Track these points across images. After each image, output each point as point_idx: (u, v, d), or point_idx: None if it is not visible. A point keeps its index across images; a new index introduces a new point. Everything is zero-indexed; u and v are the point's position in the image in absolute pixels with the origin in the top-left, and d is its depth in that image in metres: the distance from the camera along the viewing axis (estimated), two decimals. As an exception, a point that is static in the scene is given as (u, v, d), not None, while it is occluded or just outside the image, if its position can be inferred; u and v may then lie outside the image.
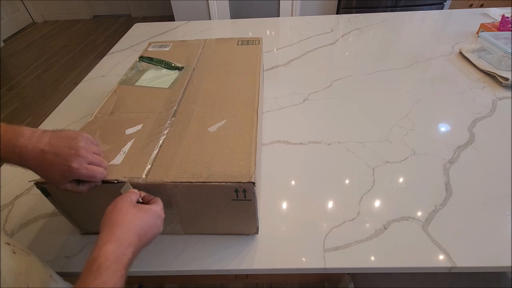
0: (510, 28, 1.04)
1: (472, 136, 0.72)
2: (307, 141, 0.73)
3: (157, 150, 0.49)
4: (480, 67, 0.95)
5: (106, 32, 3.47)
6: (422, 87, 0.89)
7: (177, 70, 0.71)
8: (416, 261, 0.49)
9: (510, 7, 1.34)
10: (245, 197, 0.45)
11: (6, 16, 3.43)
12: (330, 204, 0.59)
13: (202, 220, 0.52)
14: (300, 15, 2.40)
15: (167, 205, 0.43)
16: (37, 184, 0.45)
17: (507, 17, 1.06)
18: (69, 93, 0.95)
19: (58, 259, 0.53)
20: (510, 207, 0.56)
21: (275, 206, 0.59)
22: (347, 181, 0.63)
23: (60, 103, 0.91)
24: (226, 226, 0.53)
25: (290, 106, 0.85)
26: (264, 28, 1.33)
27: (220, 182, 0.43)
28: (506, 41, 0.93)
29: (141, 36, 1.30)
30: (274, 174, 0.65)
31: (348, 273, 0.89)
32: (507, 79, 0.87)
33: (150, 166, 0.46)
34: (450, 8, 2.25)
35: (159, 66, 0.73)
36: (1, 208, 0.62)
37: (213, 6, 2.30)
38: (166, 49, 0.80)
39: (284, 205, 0.60)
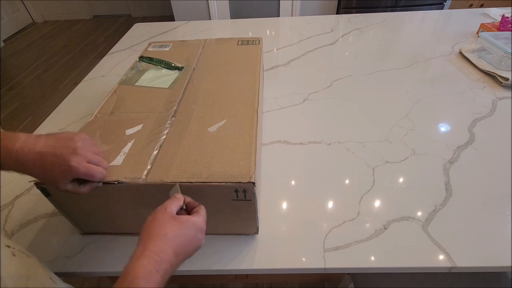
0: (510, 28, 1.04)
1: (472, 136, 0.72)
2: (307, 141, 0.73)
3: (157, 150, 0.49)
4: (480, 67, 0.95)
5: (106, 32, 3.47)
6: (422, 87, 0.89)
7: (177, 70, 0.71)
8: (416, 261, 0.49)
9: (510, 7, 1.34)
10: (245, 197, 0.45)
11: (6, 16, 3.43)
12: (330, 204, 0.59)
13: (202, 220, 0.52)
14: (300, 15, 2.40)
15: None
16: (37, 184, 0.45)
17: (507, 17, 1.06)
18: (69, 93, 0.95)
19: (58, 259, 0.53)
20: (510, 207, 0.56)
21: (275, 206, 0.59)
22: (347, 181, 0.63)
23: (60, 103, 0.91)
24: (226, 226, 0.53)
25: (290, 106, 0.85)
26: (264, 28, 1.33)
27: (220, 182, 0.43)
28: (506, 41, 0.93)
29: (141, 36, 1.30)
30: (274, 174, 0.65)
31: (348, 273, 0.89)
32: (507, 79, 0.87)
33: (150, 167, 0.46)
34: (450, 8, 2.25)
35: (159, 66, 0.73)
36: (1, 208, 0.62)
37: (213, 6, 2.30)
38: (166, 49, 0.80)
39: (284, 205, 0.60)
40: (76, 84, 1.03)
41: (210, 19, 2.35)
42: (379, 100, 0.86)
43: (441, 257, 0.49)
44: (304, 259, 0.51)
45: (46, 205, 0.59)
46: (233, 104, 0.59)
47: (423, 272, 0.55)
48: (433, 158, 0.67)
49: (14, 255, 0.35)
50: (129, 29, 1.39)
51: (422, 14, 1.41)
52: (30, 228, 0.58)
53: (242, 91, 0.62)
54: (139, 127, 0.54)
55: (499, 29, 1.06)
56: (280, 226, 0.56)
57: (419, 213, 0.56)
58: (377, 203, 0.58)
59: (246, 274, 1.07)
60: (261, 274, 0.86)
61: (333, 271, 0.50)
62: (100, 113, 0.58)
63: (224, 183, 0.43)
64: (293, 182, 0.64)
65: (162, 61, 0.74)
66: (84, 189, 0.42)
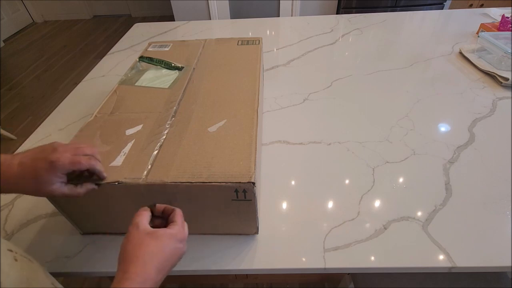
0: (510, 28, 1.04)
1: (472, 136, 0.72)
2: (307, 141, 0.73)
3: (157, 150, 0.49)
4: (480, 67, 0.95)
5: (106, 32, 3.47)
6: (422, 87, 0.89)
7: (177, 70, 0.71)
8: (416, 261, 0.49)
9: (510, 7, 1.34)
10: (245, 197, 0.45)
11: (6, 16, 3.43)
12: (330, 204, 0.59)
13: (202, 220, 0.52)
14: (300, 15, 2.40)
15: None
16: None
17: (507, 17, 1.06)
18: (69, 93, 0.95)
19: (58, 259, 0.53)
20: (510, 207, 0.56)
21: (275, 206, 0.59)
22: (347, 181, 0.63)
23: (60, 103, 0.91)
24: (226, 226, 0.53)
25: (290, 106, 0.85)
26: (264, 28, 1.33)
27: (220, 182, 0.43)
28: (506, 41, 0.93)
29: (141, 36, 1.30)
30: (274, 174, 0.65)
31: (348, 273, 0.89)
32: (507, 79, 0.87)
33: (150, 167, 0.46)
34: (450, 8, 2.25)
35: (159, 66, 0.73)
36: (1, 208, 0.62)
37: (213, 6, 2.30)
38: (166, 49, 0.80)
39: (284, 205, 0.60)
40: (76, 84, 1.03)
41: (210, 19, 2.35)
42: (379, 100, 0.86)
43: (441, 257, 0.49)
44: (304, 259, 0.51)
45: (46, 205, 0.59)
46: (233, 104, 0.59)
47: (423, 272, 0.55)
48: (433, 158, 0.67)
49: (16, 259, 0.35)
50: (129, 29, 1.39)
51: (422, 14, 1.41)
52: (30, 228, 0.58)
53: (242, 91, 0.62)
54: (139, 127, 0.54)
55: (499, 29, 1.06)
56: (280, 226, 0.56)
57: (419, 213, 0.56)
58: (377, 203, 0.58)
59: (246, 274, 1.07)
60: (261, 274, 0.86)
61: (333, 271, 0.50)
62: (100, 113, 0.58)
63: (224, 183, 0.43)
64: (293, 182, 0.64)
65: (162, 61, 0.74)
66: (81, 190, 0.41)
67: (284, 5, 2.36)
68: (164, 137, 0.52)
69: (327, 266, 0.50)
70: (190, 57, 0.76)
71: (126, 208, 0.50)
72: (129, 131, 0.53)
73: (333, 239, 0.53)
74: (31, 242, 0.56)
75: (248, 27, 1.35)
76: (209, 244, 0.53)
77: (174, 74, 0.70)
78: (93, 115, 0.57)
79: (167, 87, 0.65)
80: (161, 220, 0.41)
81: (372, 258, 0.50)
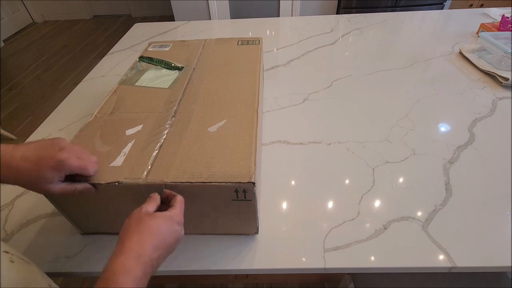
0: (510, 28, 1.04)
1: (472, 136, 0.72)
2: (307, 141, 0.73)
3: (157, 150, 0.49)
4: (480, 67, 0.95)
5: (106, 32, 3.47)
6: (422, 87, 0.89)
7: (177, 70, 0.71)
8: (416, 261, 0.49)
9: (510, 7, 1.34)
10: (245, 197, 0.45)
11: (6, 16, 3.43)
12: (330, 204, 0.59)
13: (202, 220, 0.52)
14: (300, 15, 2.40)
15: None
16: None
17: (507, 17, 1.06)
18: (69, 93, 0.95)
19: (58, 259, 0.53)
20: (510, 207, 0.56)
21: (275, 206, 0.59)
22: (347, 181, 0.63)
23: (60, 103, 0.91)
24: (226, 226, 0.53)
25: (290, 106, 0.85)
26: (264, 28, 1.33)
27: (220, 182, 0.43)
28: (506, 41, 0.93)
29: (141, 36, 1.30)
30: (274, 174, 0.65)
31: (348, 273, 0.89)
32: (507, 79, 0.87)
33: (150, 167, 0.46)
34: (450, 8, 2.25)
35: (159, 66, 0.73)
36: (1, 208, 0.62)
37: (213, 6, 2.30)
38: (166, 49, 0.80)
39: (284, 205, 0.60)
40: (76, 84, 1.03)
41: (210, 19, 2.35)
42: (379, 100, 0.86)
43: (441, 257, 0.50)
44: (304, 259, 0.51)
45: (46, 205, 0.59)
46: (233, 104, 0.59)
47: (423, 272, 0.55)
48: (433, 158, 0.67)
49: (12, 261, 0.35)
50: (129, 29, 1.39)
51: (422, 14, 1.41)
52: (30, 228, 0.58)
53: (242, 91, 0.62)
54: (139, 127, 0.54)
55: (499, 29, 1.06)
56: (280, 226, 0.56)
57: (419, 213, 0.56)
58: (377, 203, 0.58)
59: (246, 274, 1.07)
60: (261, 274, 0.86)
61: (333, 271, 0.50)
62: (100, 113, 0.58)
63: (224, 183, 0.43)
64: (293, 182, 0.64)
65: (162, 61, 0.74)
66: (78, 187, 0.41)
67: (284, 5, 2.36)
68: (164, 137, 0.52)
69: (327, 266, 0.50)
70: (190, 57, 0.76)
71: (126, 208, 0.49)
72: (129, 131, 0.53)
73: (333, 239, 0.53)
74: (31, 242, 0.56)
75: (248, 27, 1.35)
76: (209, 244, 0.54)
77: (174, 74, 0.70)
78: (93, 115, 0.57)
79: (167, 87, 0.65)
80: (165, 206, 0.42)
81: (372, 258, 0.50)
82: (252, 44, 0.81)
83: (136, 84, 0.67)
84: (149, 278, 0.33)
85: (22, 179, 0.38)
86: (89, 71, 1.07)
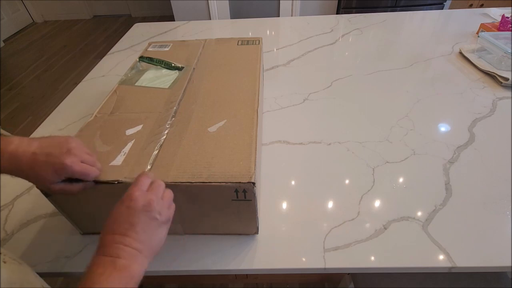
0: (510, 28, 1.04)
1: (472, 136, 0.72)
2: (307, 141, 0.73)
3: (157, 150, 0.49)
4: (480, 67, 0.95)
5: (106, 32, 3.47)
6: (422, 87, 0.89)
7: (177, 70, 0.71)
8: (416, 261, 0.49)
9: (510, 7, 1.34)
10: (245, 197, 0.45)
11: (6, 16, 3.43)
12: (330, 204, 0.59)
13: (202, 220, 0.52)
14: (300, 15, 2.40)
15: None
16: (37, 184, 0.45)
17: (507, 17, 1.06)
18: (69, 93, 0.95)
19: (58, 259, 0.53)
20: (510, 207, 0.56)
21: (275, 206, 0.59)
22: (347, 181, 0.63)
23: (60, 103, 0.91)
24: (226, 226, 0.53)
25: (290, 106, 0.85)
26: (264, 28, 1.33)
27: (220, 182, 0.43)
28: (506, 41, 0.93)
29: (141, 36, 1.30)
30: (274, 174, 0.65)
31: (348, 273, 0.89)
32: (507, 79, 0.87)
33: (150, 167, 0.46)
34: (450, 8, 2.25)
35: (159, 66, 0.73)
36: (1, 208, 0.62)
37: (213, 6, 2.30)
38: (166, 49, 0.80)
39: (284, 205, 0.60)
40: (76, 84, 1.03)
41: (210, 19, 2.35)
42: (379, 100, 0.86)
43: (441, 257, 0.49)
44: (304, 259, 0.51)
45: (46, 205, 0.59)
46: (233, 104, 0.59)
47: (423, 272, 0.55)
48: (433, 158, 0.67)
49: (4, 262, 0.35)
50: (129, 29, 1.39)
51: (422, 14, 1.41)
52: (30, 228, 0.58)
53: (242, 91, 0.62)
54: (139, 127, 0.54)
55: (499, 29, 1.06)
56: (280, 226, 0.56)
57: (419, 213, 0.56)
58: (377, 203, 0.58)
59: (246, 274, 1.07)
60: (261, 274, 0.86)
61: (333, 271, 0.50)
62: (100, 113, 0.58)
63: (224, 183, 0.43)
64: (293, 182, 0.64)
65: (162, 61, 0.74)
66: (77, 187, 0.42)
67: (284, 5, 2.36)
68: (164, 137, 0.52)
69: (327, 266, 0.50)
70: (190, 57, 0.76)
71: (126, 208, 0.50)
72: (129, 131, 0.53)
73: (333, 239, 0.53)
74: (31, 242, 0.56)
75: (248, 27, 1.35)
76: (209, 244, 0.54)
77: (174, 74, 0.70)
78: (93, 115, 0.57)
79: (167, 87, 0.65)
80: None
81: (372, 258, 0.50)
82: (252, 44, 0.81)
83: (136, 84, 0.67)
84: (146, 278, 0.34)
85: (27, 174, 0.39)
86: (89, 71, 1.07)
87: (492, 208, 0.56)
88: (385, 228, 0.54)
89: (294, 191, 0.62)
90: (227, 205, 0.47)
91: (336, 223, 0.55)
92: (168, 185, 0.44)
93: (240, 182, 0.43)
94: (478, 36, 0.99)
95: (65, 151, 0.39)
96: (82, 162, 0.41)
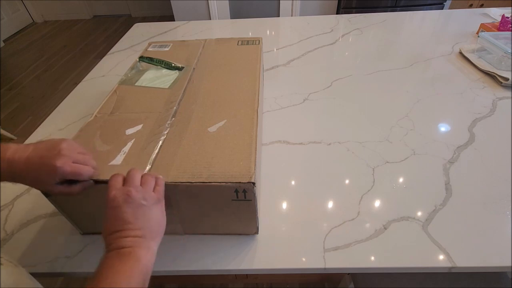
0: (510, 28, 1.04)
1: (472, 136, 0.72)
2: (307, 141, 0.73)
3: (157, 150, 0.49)
4: (480, 67, 0.95)
5: (106, 32, 3.47)
6: (422, 87, 0.89)
7: (177, 70, 0.71)
8: (416, 261, 0.49)
9: (510, 7, 1.34)
10: (245, 197, 0.45)
11: (6, 16, 3.43)
12: (330, 204, 0.59)
13: (202, 220, 0.52)
14: (300, 15, 2.40)
15: (167, 205, 0.43)
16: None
17: (507, 17, 1.06)
18: (69, 93, 0.95)
19: (58, 259, 0.53)
20: (510, 207, 0.56)
21: (275, 206, 0.59)
22: (347, 181, 0.63)
23: (60, 103, 0.91)
24: (226, 226, 0.53)
25: (290, 106, 0.85)
26: (264, 28, 1.33)
27: (220, 182, 0.43)
28: (506, 41, 0.93)
29: (141, 36, 1.30)
30: (274, 174, 0.65)
31: (348, 273, 0.89)
32: (507, 79, 0.87)
33: (150, 166, 0.46)
34: (450, 8, 2.25)
35: (159, 66, 0.73)
36: (1, 208, 0.62)
37: (213, 6, 2.30)
38: (166, 49, 0.80)
39: (284, 205, 0.60)
40: (76, 84, 1.03)
41: (210, 19, 2.35)
42: (379, 100, 0.86)
43: (441, 257, 0.49)
44: (304, 259, 0.51)
45: (46, 205, 0.59)
46: (233, 104, 0.59)
47: (423, 272, 0.55)
48: (433, 158, 0.67)
49: (1, 263, 0.35)
50: (129, 29, 1.39)
51: (422, 14, 1.41)
52: (30, 228, 0.58)
53: (242, 91, 0.62)
54: (139, 127, 0.54)
55: (499, 29, 1.06)
56: (280, 226, 0.56)
57: (419, 213, 0.56)
58: (377, 203, 0.58)
59: (246, 274, 1.07)
60: (261, 274, 0.86)
61: (333, 271, 0.50)
62: (100, 113, 0.58)
63: (224, 183, 0.43)
64: (293, 182, 0.64)
65: (162, 61, 0.74)
66: (76, 187, 0.42)
67: (284, 5, 2.36)
68: (164, 137, 0.52)
69: (327, 266, 0.49)
70: (190, 57, 0.76)
71: (126, 208, 0.50)
72: (129, 131, 0.53)
73: (333, 239, 0.53)
74: (31, 242, 0.56)
75: (248, 27, 1.35)
76: (209, 244, 0.54)
77: (174, 74, 0.70)
78: (93, 115, 0.57)
79: (167, 87, 0.65)
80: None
81: (372, 258, 0.50)
82: (252, 44, 0.81)
83: (136, 84, 0.67)
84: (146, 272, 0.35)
85: (24, 179, 0.40)
86: (89, 71, 1.07)
87: (492, 208, 0.56)
88: (385, 228, 0.54)
89: (294, 191, 0.62)
90: (227, 205, 0.47)
91: (336, 223, 0.55)
92: (168, 185, 0.44)
93: (240, 182, 0.43)
94: (478, 36, 0.99)
95: (56, 153, 0.39)
96: (74, 162, 0.41)
